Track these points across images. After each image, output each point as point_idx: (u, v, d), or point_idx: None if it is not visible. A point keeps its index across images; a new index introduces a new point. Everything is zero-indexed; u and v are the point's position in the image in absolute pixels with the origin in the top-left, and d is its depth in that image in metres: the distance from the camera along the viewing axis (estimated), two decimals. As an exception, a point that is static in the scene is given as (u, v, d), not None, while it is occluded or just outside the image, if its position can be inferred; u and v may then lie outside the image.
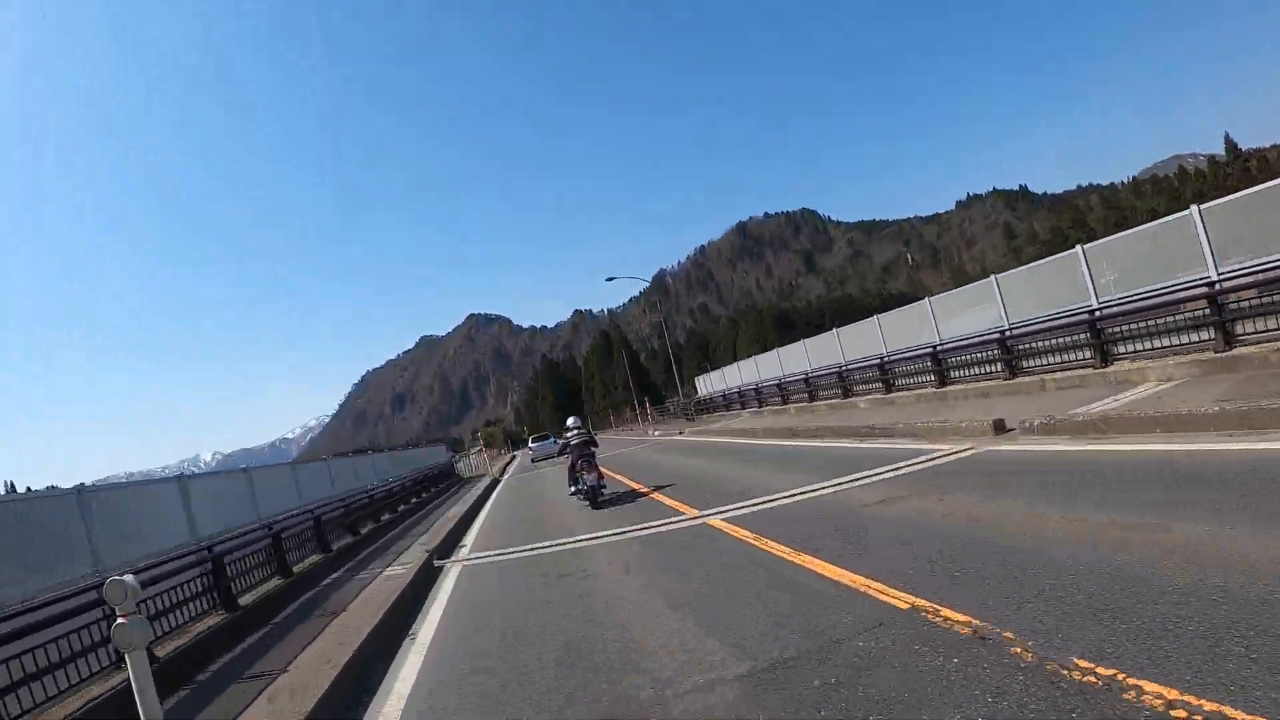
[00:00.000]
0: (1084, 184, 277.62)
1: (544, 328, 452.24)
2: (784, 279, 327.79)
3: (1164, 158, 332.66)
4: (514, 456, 54.86)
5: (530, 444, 40.21)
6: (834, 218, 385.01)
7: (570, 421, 11.81)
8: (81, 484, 7.56)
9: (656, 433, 29.77)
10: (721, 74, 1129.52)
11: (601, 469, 11.13)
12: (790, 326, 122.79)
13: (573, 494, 11.19)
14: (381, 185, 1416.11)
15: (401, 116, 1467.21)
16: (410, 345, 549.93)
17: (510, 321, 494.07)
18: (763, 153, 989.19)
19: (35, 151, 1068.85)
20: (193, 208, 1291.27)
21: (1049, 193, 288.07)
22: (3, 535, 5.59)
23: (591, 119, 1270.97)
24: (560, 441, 12.63)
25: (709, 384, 39.37)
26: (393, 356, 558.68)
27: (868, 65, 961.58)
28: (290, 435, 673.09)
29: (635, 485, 12.00)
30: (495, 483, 23.53)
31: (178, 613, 6.47)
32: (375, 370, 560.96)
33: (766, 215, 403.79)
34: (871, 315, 20.43)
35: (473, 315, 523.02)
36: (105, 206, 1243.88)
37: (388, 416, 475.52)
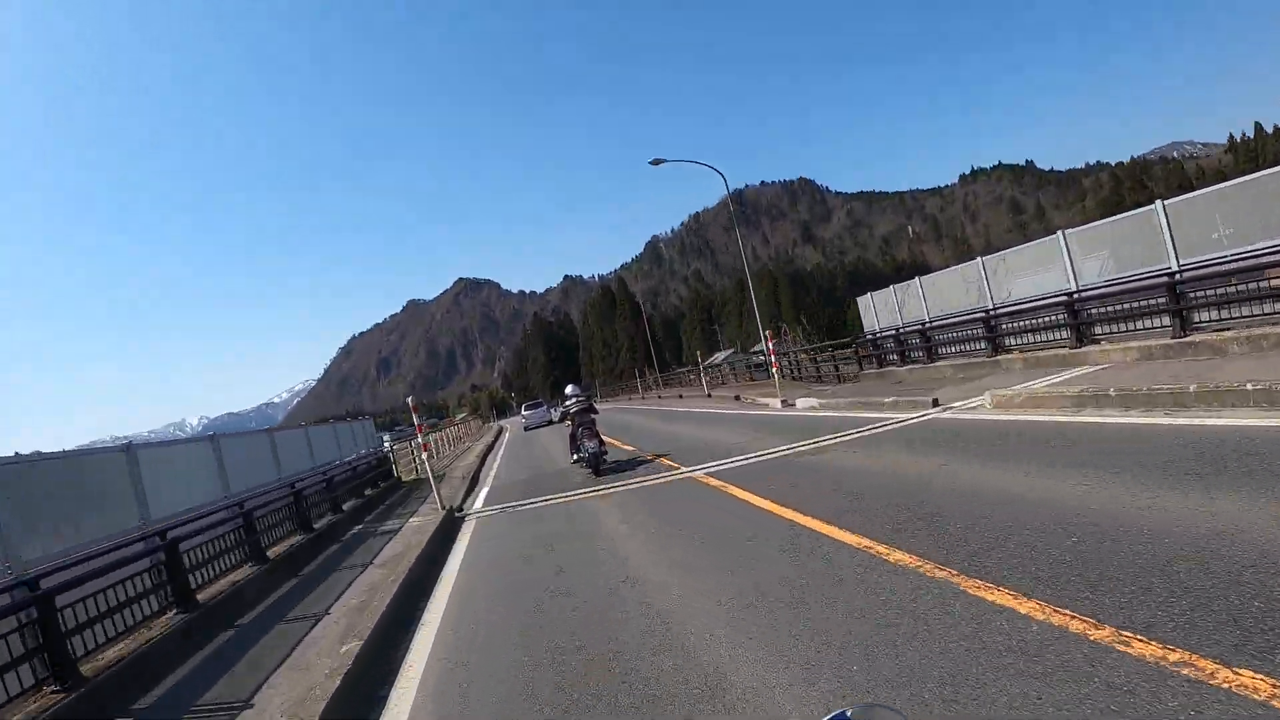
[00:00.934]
0: (1090, 162, 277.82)
1: (534, 293, 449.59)
2: (780, 248, 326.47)
3: (1162, 144, 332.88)
4: (502, 429, 46.78)
5: (523, 411, 40.26)
6: (832, 188, 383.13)
7: (569, 389, 11.84)
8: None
9: (778, 403, 16.08)
10: (722, 40, 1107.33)
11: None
12: (805, 290, 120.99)
13: (574, 461, 11.29)
14: (374, 144, 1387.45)
15: (396, 74, 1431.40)
16: (398, 309, 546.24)
17: (499, 286, 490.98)
18: (759, 121, 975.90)
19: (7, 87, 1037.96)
20: (178, 164, 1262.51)
21: (1055, 169, 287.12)
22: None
23: (585, 81, 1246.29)
24: (560, 409, 12.57)
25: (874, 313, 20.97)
26: (379, 320, 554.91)
27: (869, 37, 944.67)
28: (277, 400, 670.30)
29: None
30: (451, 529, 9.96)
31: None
32: (361, 334, 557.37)
33: (763, 184, 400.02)
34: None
35: (462, 279, 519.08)
36: (87, 160, 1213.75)
37: (372, 381, 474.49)
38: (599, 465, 10.56)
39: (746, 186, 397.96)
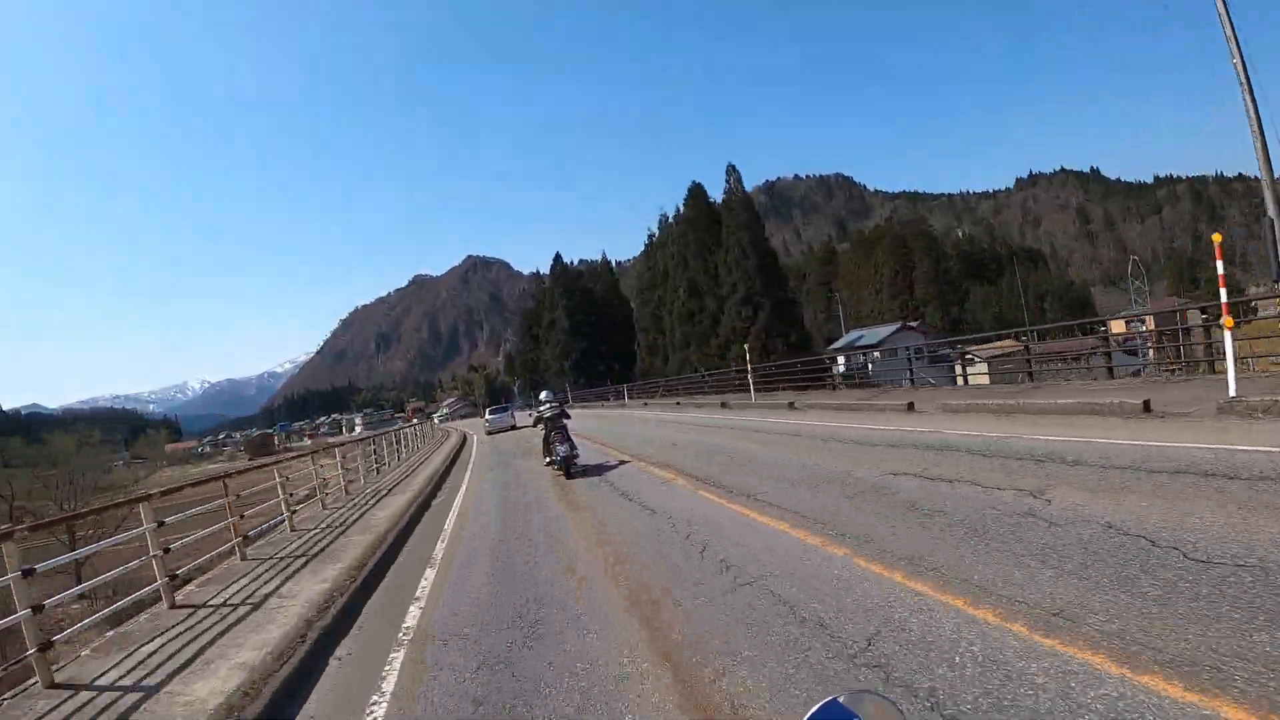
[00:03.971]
0: (1161, 174, 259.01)
1: (546, 274, 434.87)
2: (813, 243, 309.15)
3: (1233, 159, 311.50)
4: (465, 438, 31.21)
5: (487, 415, 35.53)
6: (871, 186, 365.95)
7: (544, 395, 12.75)
8: None
9: None
10: (764, 28, 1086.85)
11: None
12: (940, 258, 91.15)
13: (547, 464, 11.90)
14: (392, 115, 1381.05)
15: (416, 48, 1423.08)
16: (404, 283, 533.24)
17: (509, 266, 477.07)
18: (798, 119, 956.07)
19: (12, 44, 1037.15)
20: (194, 124, 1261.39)
21: (1123, 179, 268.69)
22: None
23: (610, 63, 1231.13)
24: (534, 414, 12.92)
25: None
26: (383, 294, 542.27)
27: (916, 38, 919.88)
28: (279, 370, 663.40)
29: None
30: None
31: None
32: (364, 307, 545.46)
33: (797, 177, 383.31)
34: None
35: (471, 256, 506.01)
36: (103, 118, 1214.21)
37: (370, 356, 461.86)
38: (570, 468, 11.08)
39: (779, 179, 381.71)
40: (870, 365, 28.85)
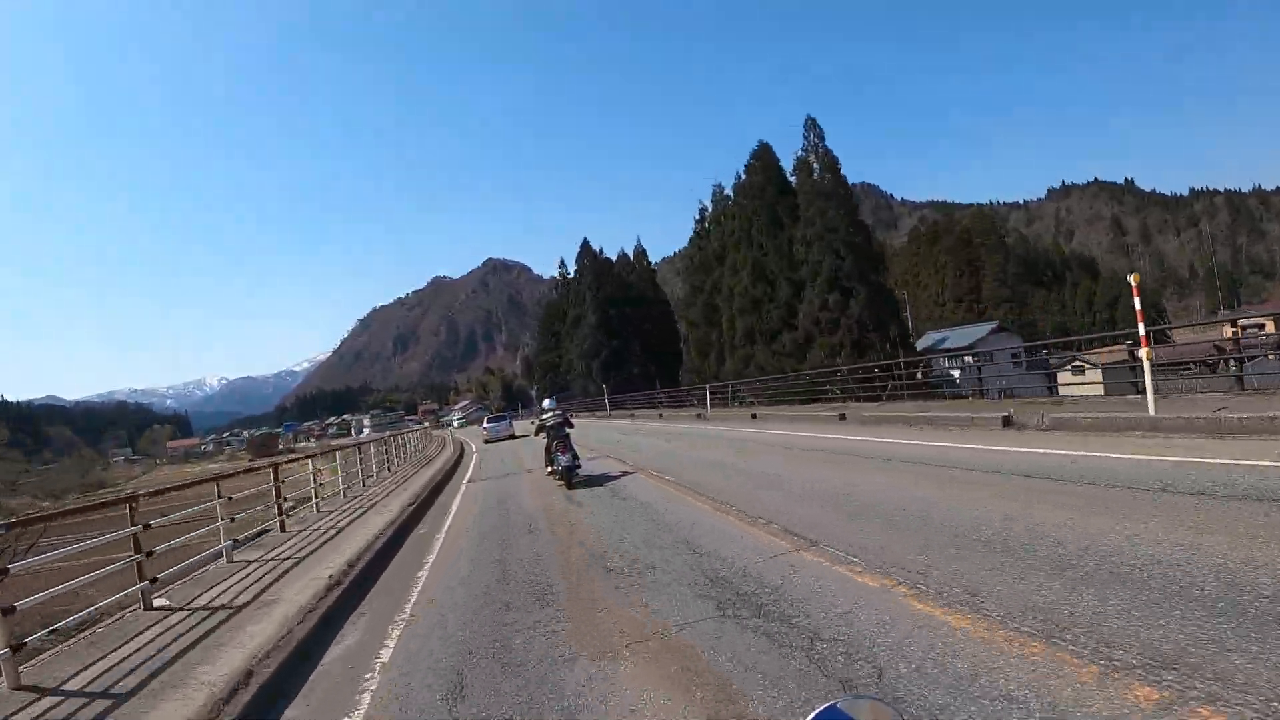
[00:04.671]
0: (1198, 186, 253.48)
1: (566, 278, 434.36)
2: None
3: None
4: (461, 451, 26.88)
5: (486, 423, 34.81)
6: (898, 195, 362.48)
7: (546, 404, 12.85)
8: None
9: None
10: (790, 33, 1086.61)
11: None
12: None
13: (549, 474, 11.98)
14: (414, 118, 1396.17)
15: (452, 41, 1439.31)
16: (422, 284, 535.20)
17: (529, 269, 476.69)
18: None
19: (36, 42, 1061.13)
20: (213, 120, 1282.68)
21: (1158, 190, 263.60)
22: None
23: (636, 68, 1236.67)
24: (536, 423, 12.78)
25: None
26: (402, 295, 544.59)
27: (947, 45, 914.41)
28: (296, 369, 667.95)
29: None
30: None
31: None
32: (383, 307, 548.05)
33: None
34: None
35: (491, 259, 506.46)
36: (123, 114, 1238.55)
37: (386, 357, 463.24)
38: (571, 479, 11.03)
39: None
40: (958, 372, 26.28)
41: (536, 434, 12.69)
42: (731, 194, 43.62)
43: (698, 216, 49.08)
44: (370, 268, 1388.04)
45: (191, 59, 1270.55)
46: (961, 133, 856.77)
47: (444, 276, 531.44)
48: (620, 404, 46.37)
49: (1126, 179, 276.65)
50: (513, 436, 30.94)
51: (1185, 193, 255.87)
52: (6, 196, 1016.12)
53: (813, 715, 0.87)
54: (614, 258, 66.36)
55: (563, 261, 74.04)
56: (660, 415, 33.56)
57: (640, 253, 67.32)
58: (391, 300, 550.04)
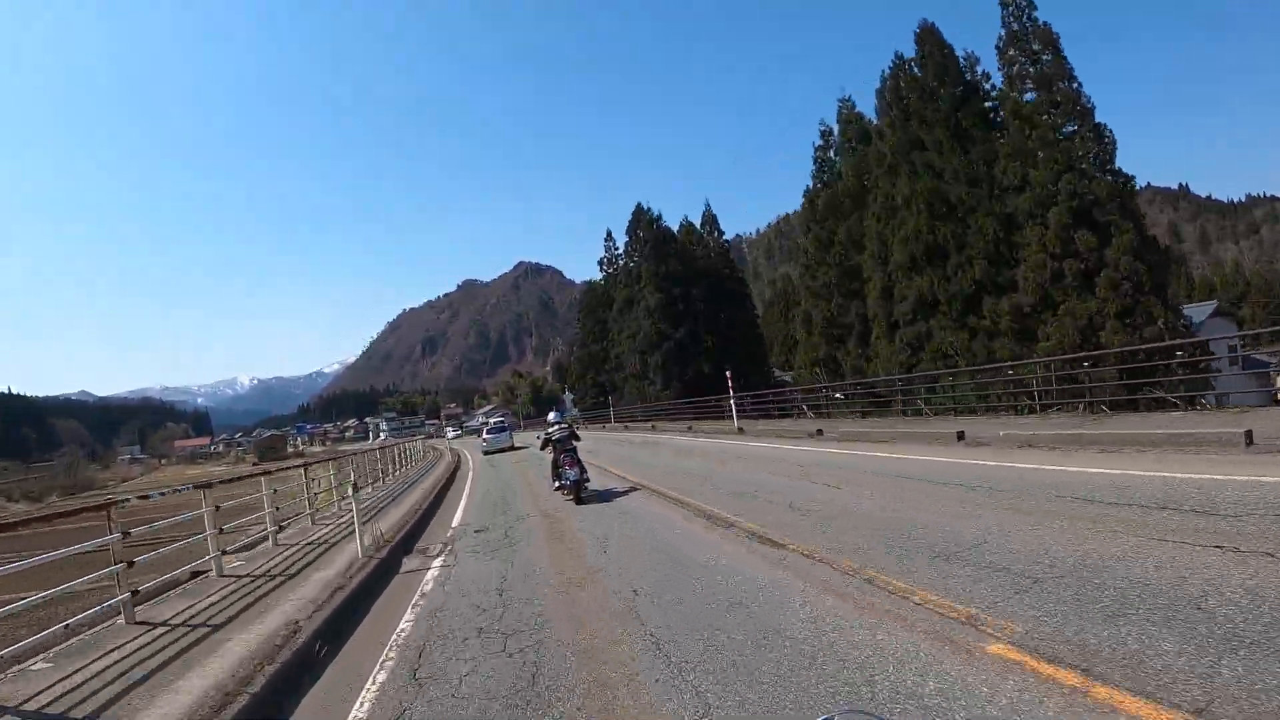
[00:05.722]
0: (1254, 193, 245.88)
1: (598, 282, 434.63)
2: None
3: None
4: (450, 476, 22.64)
5: (484, 434, 33.69)
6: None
7: (551, 416, 12.96)
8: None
9: None
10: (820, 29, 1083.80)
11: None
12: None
13: (555, 489, 11.90)
14: (447, 121, 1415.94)
15: (487, 43, 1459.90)
16: (452, 288, 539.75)
17: (561, 273, 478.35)
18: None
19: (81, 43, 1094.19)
20: (257, 125, 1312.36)
21: (1213, 196, 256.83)
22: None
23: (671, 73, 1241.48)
24: (542, 437, 12.72)
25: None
26: (432, 298, 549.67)
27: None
28: (327, 370, 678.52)
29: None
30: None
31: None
32: (412, 310, 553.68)
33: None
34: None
35: (523, 262, 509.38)
36: (165, 114, 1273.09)
37: (415, 360, 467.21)
38: (580, 493, 11.09)
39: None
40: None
41: (543, 448, 12.51)
42: (876, 106, 30.00)
43: (819, 142, 34.75)
44: (401, 270, 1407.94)
45: (243, 72, 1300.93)
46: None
47: (474, 280, 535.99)
48: (657, 413, 38.86)
49: (1180, 184, 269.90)
50: (513, 448, 30.69)
51: (1242, 198, 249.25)
52: (62, 203, 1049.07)
53: None
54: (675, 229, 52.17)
55: (609, 234, 57.22)
56: (740, 430, 22.68)
57: (711, 219, 52.15)
58: (421, 303, 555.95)
